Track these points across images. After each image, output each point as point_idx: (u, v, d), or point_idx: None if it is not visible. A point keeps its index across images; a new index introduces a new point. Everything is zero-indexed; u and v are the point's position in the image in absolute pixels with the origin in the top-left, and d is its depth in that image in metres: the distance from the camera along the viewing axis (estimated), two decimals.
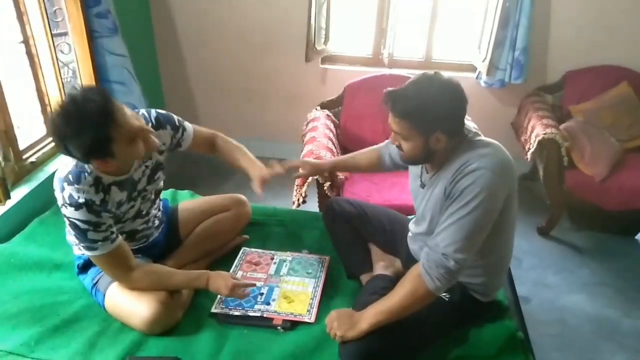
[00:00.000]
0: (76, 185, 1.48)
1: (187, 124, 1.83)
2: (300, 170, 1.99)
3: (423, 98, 1.40)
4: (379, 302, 1.48)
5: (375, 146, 2.01)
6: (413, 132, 1.44)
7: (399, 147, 1.52)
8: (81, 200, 1.47)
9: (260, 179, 1.76)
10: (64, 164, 1.54)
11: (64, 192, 1.48)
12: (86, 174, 1.50)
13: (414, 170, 1.72)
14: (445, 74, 1.47)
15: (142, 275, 1.62)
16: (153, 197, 1.78)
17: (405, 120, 1.43)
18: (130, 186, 1.62)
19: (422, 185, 1.63)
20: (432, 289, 1.41)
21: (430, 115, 1.41)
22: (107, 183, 1.54)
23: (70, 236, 1.68)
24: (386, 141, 1.94)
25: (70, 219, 1.50)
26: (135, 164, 1.62)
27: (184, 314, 1.68)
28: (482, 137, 1.53)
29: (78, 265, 1.77)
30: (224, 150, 1.92)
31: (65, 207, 1.49)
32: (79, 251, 1.69)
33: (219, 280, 1.64)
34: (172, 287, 1.67)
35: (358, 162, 2.04)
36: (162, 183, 1.83)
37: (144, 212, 1.75)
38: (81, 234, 1.51)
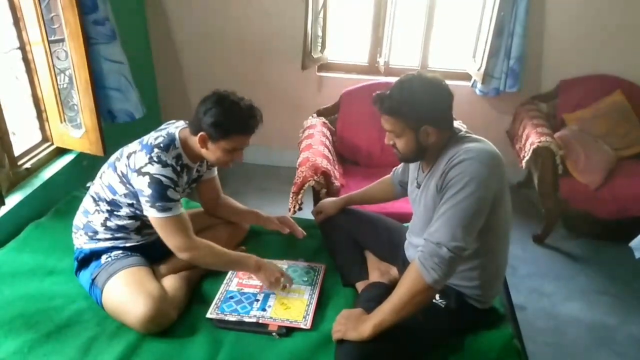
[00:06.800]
0: (165, 152, 1.67)
1: None
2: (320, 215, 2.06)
3: (406, 93, 1.48)
4: (382, 303, 1.46)
5: (383, 178, 2.04)
6: (402, 127, 1.51)
7: (394, 146, 1.57)
8: (169, 162, 1.65)
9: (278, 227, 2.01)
10: (152, 137, 1.71)
11: (152, 153, 1.64)
12: (174, 146, 1.71)
13: (412, 174, 1.74)
14: None
15: (201, 244, 1.70)
16: None
17: (392, 116, 1.50)
18: (188, 175, 1.81)
19: (418, 186, 1.65)
20: (428, 281, 1.38)
21: (414, 108, 1.47)
22: (184, 162, 1.74)
23: (91, 216, 1.78)
24: (393, 169, 1.99)
25: (155, 176, 1.61)
26: (204, 165, 1.90)
27: (179, 316, 1.67)
28: (472, 135, 1.56)
29: (77, 259, 1.78)
30: (230, 202, 2.07)
31: (152, 164, 1.62)
32: (86, 244, 1.77)
33: (267, 272, 1.78)
34: (225, 262, 1.78)
35: (372, 195, 2.07)
36: None
37: None
38: (161, 191, 1.61)
